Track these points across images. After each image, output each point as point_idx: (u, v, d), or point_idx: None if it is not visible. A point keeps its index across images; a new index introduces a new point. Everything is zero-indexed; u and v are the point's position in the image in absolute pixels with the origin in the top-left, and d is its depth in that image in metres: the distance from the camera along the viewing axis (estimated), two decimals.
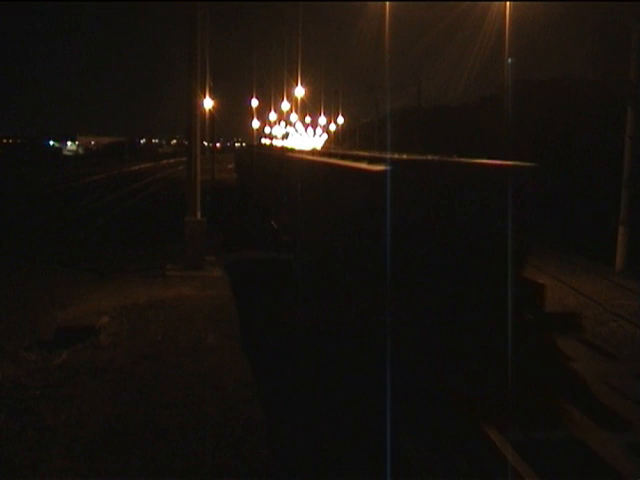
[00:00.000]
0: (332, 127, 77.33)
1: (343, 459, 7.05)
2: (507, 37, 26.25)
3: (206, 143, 55.40)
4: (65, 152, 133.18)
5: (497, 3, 28.41)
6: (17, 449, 7.15)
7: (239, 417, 8.01)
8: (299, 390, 8.85)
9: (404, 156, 12.41)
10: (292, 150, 29.53)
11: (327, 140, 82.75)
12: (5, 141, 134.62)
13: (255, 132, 75.28)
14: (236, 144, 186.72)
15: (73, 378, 9.25)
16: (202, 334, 11.30)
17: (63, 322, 12.01)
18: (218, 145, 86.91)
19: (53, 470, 6.76)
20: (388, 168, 8.59)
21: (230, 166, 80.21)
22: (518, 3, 26.84)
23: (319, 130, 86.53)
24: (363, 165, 10.30)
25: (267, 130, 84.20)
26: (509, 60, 27.15)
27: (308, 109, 74.48)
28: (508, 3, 26.74)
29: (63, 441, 7.34)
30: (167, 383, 9.11)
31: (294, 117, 73.61)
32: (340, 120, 73.93)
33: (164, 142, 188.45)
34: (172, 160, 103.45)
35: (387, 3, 31.90)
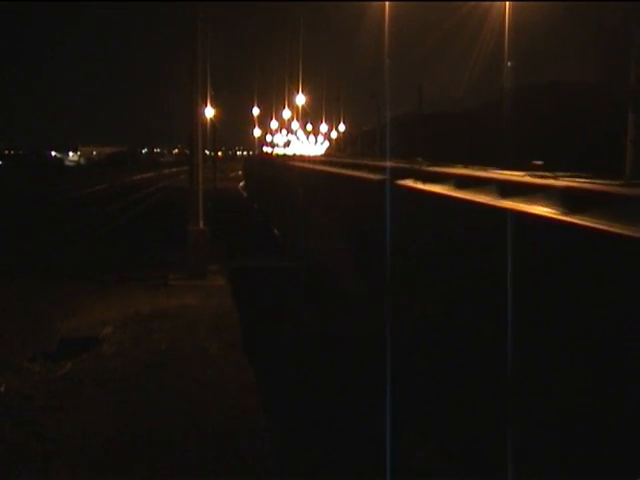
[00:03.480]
0: (333, 134, 77.50)
1: (346, 466, 7.03)
2: (507, 39, 26.29)
3: (208, 152, 55.50)
4: (67, 162, 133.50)
5: (496, 8, 28.46)
6: (21, 460, 7.14)
7: (243, 426, 8.00)
8: (302, 397, 8.83)
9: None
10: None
11: (329, 147, 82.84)
12: (7, 152, 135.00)
13: (257, 140, 75.50)
14: (237, 152, 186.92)
15: (77, 388, 9.25)
16: (205, 343, 11.29)
17: (67, 333, 12.02)
18: (220, 154, 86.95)
19: None
20: None
21: (232, 174, 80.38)
22: (517, 8, 26.87)
23: (320, 137, 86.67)
24: None
25: (268, 138, 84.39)
26: (509, 63, 27.18)
27: (309, 116, 74.62)
28: (507, 4, 26.75)
29: (67, 452, 7.33)
30: (171, 392, 9.11)
31: (295, 125, 73.74)
32: (341, 127, 74.10)
33: (166, 151, 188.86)
34: (174, 169, 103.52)
35: (387, 7, 31.98)
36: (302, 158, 38.12)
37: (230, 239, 23.12)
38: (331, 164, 22.13)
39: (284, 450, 7.54)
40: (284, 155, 53.11)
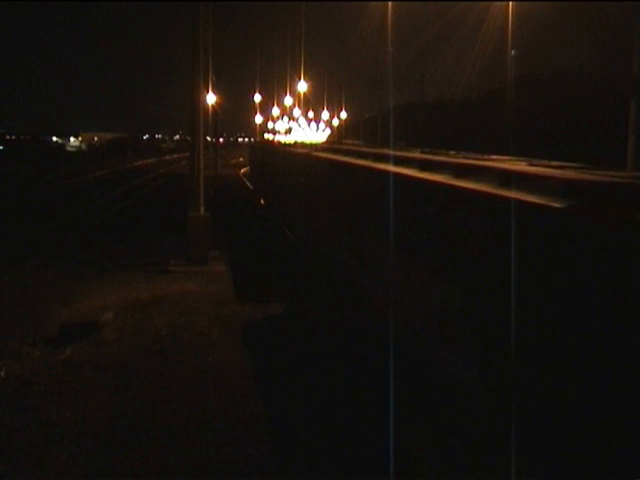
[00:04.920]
0: (335, 122, 77.33)
1: (344, 456, 7.04)
2: (510, 29, 26.22)
3: (209, 138, 55.49)
4: (68, 148, 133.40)
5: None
6: (21, 445, 7.16)
7: (242, 413, 8.01)
8: (301, 385, 8.85)
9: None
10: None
11: (330, 135, 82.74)
12: (8, 137, 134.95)
13: (258, 127, 75.41)
14: (239, 139, 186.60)
15: (77, 374, 9.26)
16: (206, 329, 11.30)
17: (67, 318, 12.03)
18: (221, 140, 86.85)
19: (57, 466, 6.76)
20: None
21: (234, 161, 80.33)
22: None
23: (322, 125, 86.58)
24: None
25: (270, 125, 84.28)
26: (512, 52, 27.11)
27: (311, 104, 74.45)
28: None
29: (67, 437, 7.34)
30: (171, 379, 9.12)
31: (297, 112, 73.62)
32: (343, 115, 73.92)
33: (167, 137, 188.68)
34: (175, 155, 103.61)
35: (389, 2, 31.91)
36: (325, 148, 27.92)
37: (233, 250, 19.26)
38: (380, 158, 14.25)
39: (282, 438, 7.56)
40: (287, 143, 49.32)
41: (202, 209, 17.06)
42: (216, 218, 19.02)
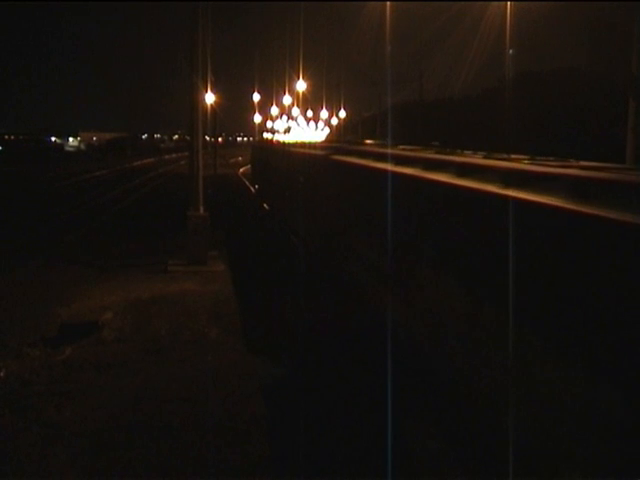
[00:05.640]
0: (334, 121, 77.29)
1: (343, 456, 7.05)
2: (508, 27, 26.21)
3: (208, 138, 55.51)
4: (67, 148, 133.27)
5: None
6: (21, 445, 7.16)
7: (242, 412, 8.01)
8: (300, 384, 8.85)
9: None
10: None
11: (329, 134, 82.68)
12: (7, 137, 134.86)
13: (257, 126, 75.42)
14: (238, 139, 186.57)
15: (77, 374, 9.26)
16: (205, 329, 11.30)
17: (67, 318, 12.02)
18: (220, 140, 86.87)
19: (57, 466, 6.76)
20: None
21: (232, 160, 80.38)
22: None
23: (321, 124, 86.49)
24: None
25: (269, 124, 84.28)
26: (510, 51, 27.10)
27: (310, 103, 74.42)
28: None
29: (67, 437, 7.34)
30: (171, 378, 9.12)
31: (296, 111, 73.58)
32: (342, 114, 73.86)
33: (166, 137, 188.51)
34: (174, 155, 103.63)
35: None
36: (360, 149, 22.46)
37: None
38: (433, 165, 12.30)
39: (283, 438, 7.56)
40: (288, 143, 48.01)
41: (201, 209, 17.04)
42: (215, 217, 18.99)
